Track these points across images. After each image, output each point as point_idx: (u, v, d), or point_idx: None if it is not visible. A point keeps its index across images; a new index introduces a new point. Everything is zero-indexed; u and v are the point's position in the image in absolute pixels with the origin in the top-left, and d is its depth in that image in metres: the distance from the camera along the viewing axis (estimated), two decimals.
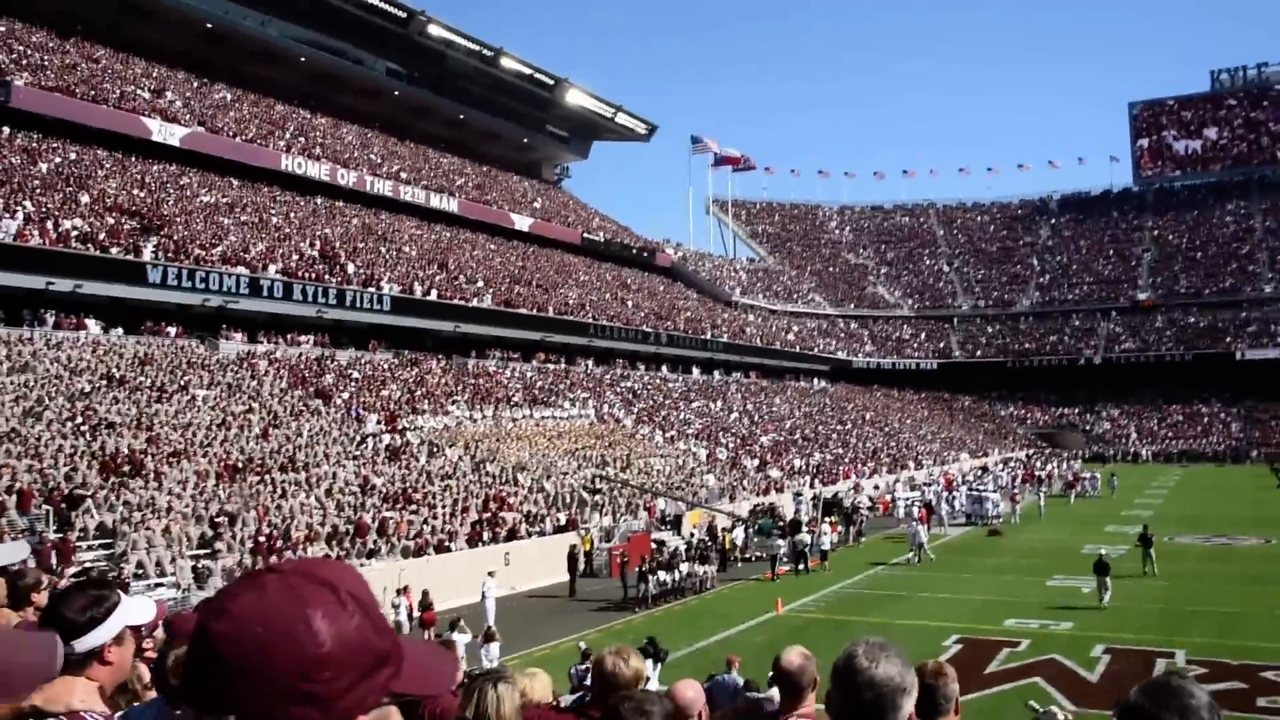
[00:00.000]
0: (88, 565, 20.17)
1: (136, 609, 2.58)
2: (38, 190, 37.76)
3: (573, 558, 29.16)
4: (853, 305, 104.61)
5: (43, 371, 29.21)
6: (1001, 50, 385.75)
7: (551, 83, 79.40)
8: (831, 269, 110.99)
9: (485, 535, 29.50)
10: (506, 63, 74.32)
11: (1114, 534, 34.19)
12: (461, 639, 18.68)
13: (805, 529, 33.39)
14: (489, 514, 31.03)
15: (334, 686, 1.06)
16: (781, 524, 35.40)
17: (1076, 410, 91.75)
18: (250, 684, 1.03)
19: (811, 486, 47.82)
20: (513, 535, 30.38)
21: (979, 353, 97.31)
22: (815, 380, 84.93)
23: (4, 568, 4.31)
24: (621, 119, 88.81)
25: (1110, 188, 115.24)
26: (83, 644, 2.28)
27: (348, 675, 1.07)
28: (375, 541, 26.57)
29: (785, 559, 31.59)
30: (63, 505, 22.32)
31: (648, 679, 4.43)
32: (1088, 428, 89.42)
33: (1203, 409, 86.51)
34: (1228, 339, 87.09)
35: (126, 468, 25.13)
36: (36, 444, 24.81)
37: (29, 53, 46.97)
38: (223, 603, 1.08)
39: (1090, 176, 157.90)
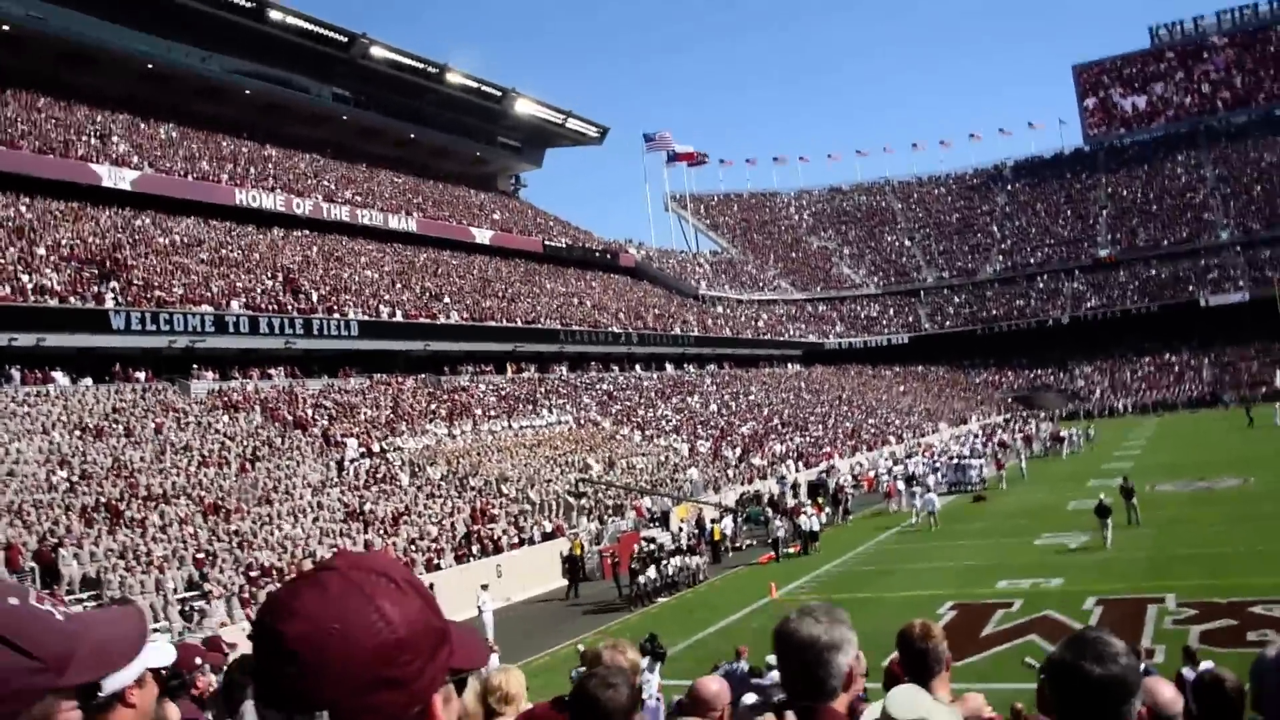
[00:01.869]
0: None
1: (154, 652, 2.61)
2: None
3: (572, 560, 29.42)
4: (819, 288, 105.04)
5: (14, 428, 28.92)
6: (944, 21, 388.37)
7: (499, 94, 79.26)
8: (795, 254, 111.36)
9: (475, 550, 29.46)
10: (452, 78, 74.13)
11: (1096, 488, 34.36)
12: None
13: (805, 512, 33.77)
14: (477, 528, 31.00)
15: (411, 668, 1.10)
16: (774, 506, 35.88)
17: (1050, 371, 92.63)
18: (337, 678, 1.06)
19: (795, 470, 48.07)
20: (500, 547, 30.37)
21: (948, 323, 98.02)
22: (789, 365, 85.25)
23: None
24: (572, 124, 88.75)
25: (1062, 150, 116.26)
26: (106, 686, 2.32)
27: (421, 656, 1.12)
28: None
29: (788, 540, 31.93)
30: (50, 556, 22.16)
31: (645, 673, 4.48)
32: (1063, 387, 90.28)
33: (1173, 358, 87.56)
34: (1190, 288, 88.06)
35: (107, 516, 24.95)
36: (16, 500, 24.57)
37: None
38: (288, 604, 1.11)
39: (1042, 140, 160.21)
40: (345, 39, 66.15)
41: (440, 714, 1.15)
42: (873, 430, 65.60)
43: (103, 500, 25.74)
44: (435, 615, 1.18)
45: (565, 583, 29.99)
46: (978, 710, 3.79)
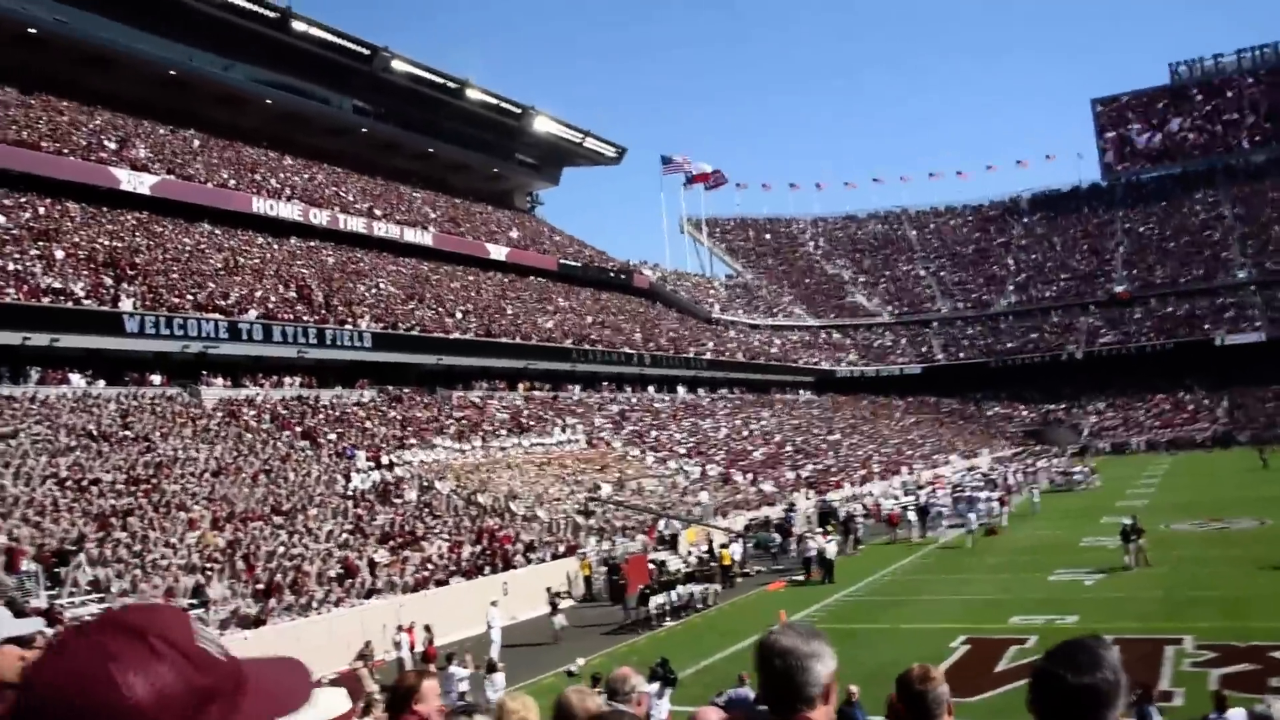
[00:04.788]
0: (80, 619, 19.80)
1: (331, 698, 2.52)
2: (9, 245, 37.40)
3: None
4: (833, 315, 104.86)
5: (28, 428, 28.82)
6: (963, 54, 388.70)
7: (519, 111, 79.43)
8: (809, 280, 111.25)
9: (485, 568, 29.21)
10: (472, 94, 74.32)
11: (1110, 525, 34.01)
12: (461, 672, 18.41)
13: (819, 536, 33.67)
14: (484, 545, 30.75)
15: None
16: (783, 531, 35.98)
17: (1062, 405, 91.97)
18: None
19: (806, 498, 47.67)
20: (509, 565, 30.10)
21: (961, 354, 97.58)
22: (801, 392, 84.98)
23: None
24: (590, 144, 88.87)
25: (1079, 184, 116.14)
26: None
27: None
28: (373, 581, 26.26)
29: (814, 562, 32.03)
30: (54, 560, 21.98)
31: (653, 699, 4.26)
32: (1075, 423, 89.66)
33: (1186, 396, 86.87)
34: (1206, 325, 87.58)
35: (117, 521, 24.77)
36: (24, 502, 24.42)
37: None
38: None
39: (1058, 174, 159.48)
40: (367, 52, 66.38)
41: None
42: (883, 460, 65.19)
43: (112, 505, 25.59)
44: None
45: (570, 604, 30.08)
46: None
